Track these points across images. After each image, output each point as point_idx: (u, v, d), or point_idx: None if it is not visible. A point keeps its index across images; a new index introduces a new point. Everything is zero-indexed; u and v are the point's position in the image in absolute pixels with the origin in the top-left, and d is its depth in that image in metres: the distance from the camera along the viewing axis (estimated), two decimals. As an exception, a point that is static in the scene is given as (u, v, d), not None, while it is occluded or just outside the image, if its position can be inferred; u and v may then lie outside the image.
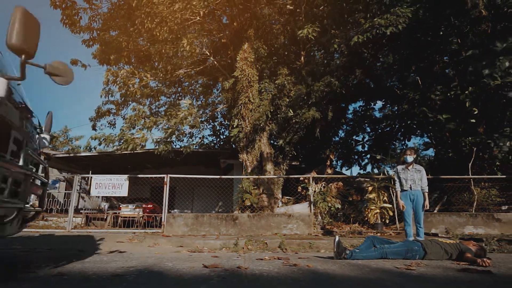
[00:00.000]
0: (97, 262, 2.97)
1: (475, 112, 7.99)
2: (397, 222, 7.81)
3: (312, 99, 7.81)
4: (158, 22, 7.42)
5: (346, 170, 16.83)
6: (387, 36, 7.30)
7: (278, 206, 8.70)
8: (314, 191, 7.88)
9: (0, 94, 1.75)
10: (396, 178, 5.56)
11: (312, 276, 2.37)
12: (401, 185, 5.48)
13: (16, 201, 2.02)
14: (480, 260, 3.08)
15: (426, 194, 5.32)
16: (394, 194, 5.71)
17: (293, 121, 8.10)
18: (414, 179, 5.37)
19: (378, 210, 7.78)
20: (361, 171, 13.07)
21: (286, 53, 9.07)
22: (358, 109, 13.38)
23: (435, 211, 8.30)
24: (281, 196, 9.23)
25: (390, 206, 7.75)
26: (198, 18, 7.51)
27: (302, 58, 8.98)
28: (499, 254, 4.68)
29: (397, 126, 12.20)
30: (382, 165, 12.04)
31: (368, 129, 13.13)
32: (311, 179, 7.94)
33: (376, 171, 12.10)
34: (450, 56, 8.81)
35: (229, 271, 2.52)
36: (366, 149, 12.97)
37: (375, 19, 6.53)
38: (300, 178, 8.31)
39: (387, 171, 9.97)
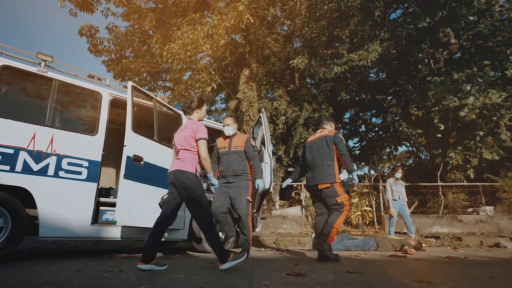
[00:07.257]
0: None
1: (441, 128, 9.34)
2: (375, 223, 9.19)
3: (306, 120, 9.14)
4: (170, 55, 8.80)
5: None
6: (367, 65, 8.66)
7: (275, 209, 10.08)
8: (305, 196, 9.26)
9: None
10: (389, 189, 6.62)
11: (289, 258, 3.75)
12: (392, 195, 6.63)
13: None
14: (409, 250, 4.47)
15: (405, 202, 6.64)
16: (387, 201, 6.71)
17: (294, 142, 9.28)
18: (401, 191, 6.60)
19: (359, 213, 9.16)
20: (359, 172, 14.36)
21: (282, 75, 10.41)
22: (353, 115, 14.61)
23: (408, 213, 9.65)
24: (278, 200, 10.61)
25: (370, 209, 9.13)
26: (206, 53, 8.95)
27: (296, 80, 10.34)
28: (441, 248, 6.05)
29: (383, 135, 13.54)
30: (379, 167, 13.22)
31: (358, 138, 14.39)
32: (302, 186, 9.32)
33: (373, 172, 13.37)
34: (419, 80, 10.15)
35: (237, 256, 3.89)
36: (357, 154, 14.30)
37: (350, 55, 7.87)
38: (294, 185, 9.68)
39: (372, 178, 11.30)
